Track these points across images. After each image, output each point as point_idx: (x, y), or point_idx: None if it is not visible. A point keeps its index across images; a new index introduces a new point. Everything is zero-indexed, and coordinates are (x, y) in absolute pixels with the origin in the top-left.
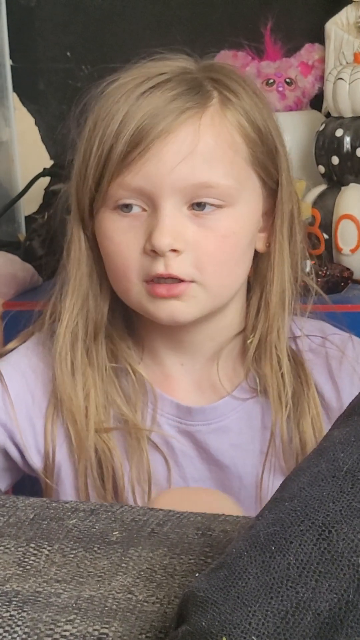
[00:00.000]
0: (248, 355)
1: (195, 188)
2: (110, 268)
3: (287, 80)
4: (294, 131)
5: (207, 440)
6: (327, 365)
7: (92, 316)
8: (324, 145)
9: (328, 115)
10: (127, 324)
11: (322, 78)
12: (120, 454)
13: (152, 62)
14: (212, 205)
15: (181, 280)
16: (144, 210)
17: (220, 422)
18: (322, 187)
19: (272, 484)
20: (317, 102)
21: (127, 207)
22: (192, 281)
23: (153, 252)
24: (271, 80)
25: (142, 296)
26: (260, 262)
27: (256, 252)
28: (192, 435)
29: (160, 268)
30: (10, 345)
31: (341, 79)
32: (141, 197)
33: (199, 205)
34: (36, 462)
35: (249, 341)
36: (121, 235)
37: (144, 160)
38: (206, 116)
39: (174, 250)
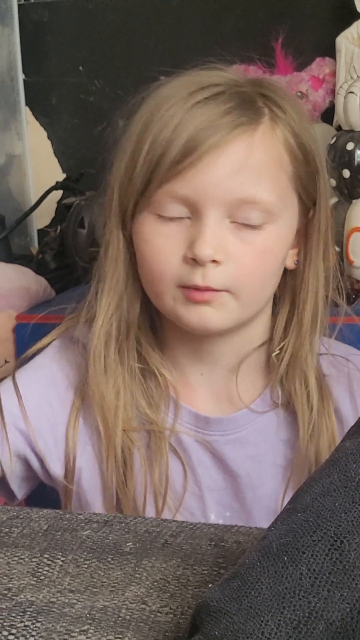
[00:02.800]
0: (274, 370)
1: (241, 202)
2: (146, 271)
3: (298, 94)
4: None
5: (223, 451)
6: (348, 383)
7: (125, 316)
8: (335, 159)
9: (339, 128)
10: (153, 328)
11: (333, 92)
12: (144, 454)
13: (205, 71)
14: (254, 220)
15: (215, 290)
16: (187, 217)
17: (237, 434)
18: (334, 200)
19: (288, 498)
20: (328, 115)
21: (170, 214)
22: (225, 290)
23: (193, 261)
24: None
25: (176, 300)
26: (289, 278)
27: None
28: (209, 444)
29: (197, 279)
30: (44, 341)
31: (352, 92)
32: (186, 205)
33: (241, 219)
34: (57, 469)
35: (274, 354)
36: (161, 240)
37: (195, 171)
38: (258, 132)
39: (214, 261)
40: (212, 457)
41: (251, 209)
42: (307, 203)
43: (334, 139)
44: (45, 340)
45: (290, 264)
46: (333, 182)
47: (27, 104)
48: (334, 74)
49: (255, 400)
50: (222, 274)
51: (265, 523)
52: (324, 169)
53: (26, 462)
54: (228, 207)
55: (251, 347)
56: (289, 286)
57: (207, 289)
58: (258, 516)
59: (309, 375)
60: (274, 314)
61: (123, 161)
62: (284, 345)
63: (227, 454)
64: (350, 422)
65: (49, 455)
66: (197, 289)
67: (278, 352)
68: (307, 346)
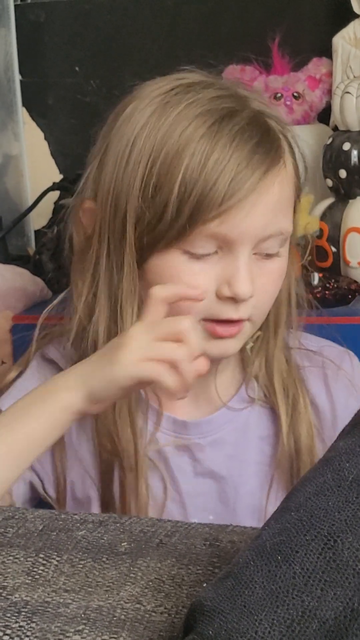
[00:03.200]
0: (249, 364)
1: (270, 236)
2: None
3: (295, 94)
4: (302, 145)
5: (203, 453)
6: (323, 375)
7: (114, 331)
8: (331, 159)
9: (335, 128)
10: None
11: (329, 92)
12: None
13: (205, 90)
14: (273, 249)
15: (243, 320)
16: (215, 252)
17: (216, 435)
18: (330, 201)
19: (273, 494)
20: (324, 115)
21: (201, 251)
22: (248, 319)
23: (231, 299)
24: (279, 95)
25: (200, 336)
26: None
27: None
28: (188, 449)
29: (232, 313)
30: (12, 374)
31: (348, 92)
32: (218, 241)
33: (263, 250)
34: (50, 491)
35: (248, 347)
36: (190, 277)
37: (236, 212)
38: (282, 168)
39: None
40: (192, 462)
41: (275, 240)
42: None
43: (331, 140)
44: (23, 362)
45: None
46: (329, 183)
47: (24, 104)
48: (330, 74)
49: (233, 397)
50: (249, 306)
51: (250, 522)
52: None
53: (31, 484)
54: (258, 242)
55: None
56: None
57: (240, 321)
58: (242, 515)
59: (283, 370)
60: None
61: (132, 187)
62: (258, 337)
63: (207, 456)
64: (327, 413)
65: (45, 476)
66: (227, 322)
67: (252, 344)
68: (280, 340)
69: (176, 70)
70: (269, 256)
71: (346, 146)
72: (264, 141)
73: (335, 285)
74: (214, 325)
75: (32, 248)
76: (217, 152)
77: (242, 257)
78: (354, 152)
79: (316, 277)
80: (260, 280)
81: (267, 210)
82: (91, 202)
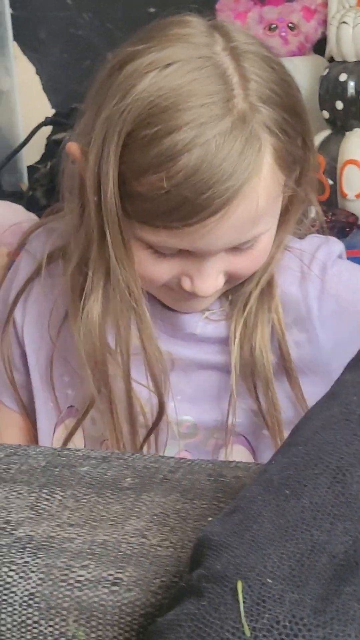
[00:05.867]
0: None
1: (242, 243)
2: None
3: (290, 25)
4: (297, 76)
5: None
6: (300, 267)
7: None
8: (327, 91)
9: (331, 60)
10: None
11: (325, 22)
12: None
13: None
14: (249, 243)
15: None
16: (180, 251)
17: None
18: (326, 133)
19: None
20: (320, 46)
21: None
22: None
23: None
24: (274, 25)
25: (165, 295)
26: None
27: None
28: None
29: (196, 301)
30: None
31: (345, 22)
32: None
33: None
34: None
35: None
36: (151, 267)
37: (199, 232)
38: (262, 179)
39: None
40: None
41: (247, 240)
42: (298, 169)
43: (327, 71)
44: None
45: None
46: (326, 115)
47: (15, 38)
48: (325, 4)
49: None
50: (218, 290)
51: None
52: (310, 136)
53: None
54: (226, 249)
55: None
56: None
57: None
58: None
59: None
60: None
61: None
62: None
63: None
64: (300, 305)
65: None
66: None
67: None
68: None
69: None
70: (245, 247)
71: (342, 77)
72: (248, 144)
73: (333, 218)
74: (180, 294)
75: (25, 184)
76: (223, 149)
77: (207, 261)
78: (351, 83)
79: (313, 211)
80: (233, 265)
81: (233, 228)
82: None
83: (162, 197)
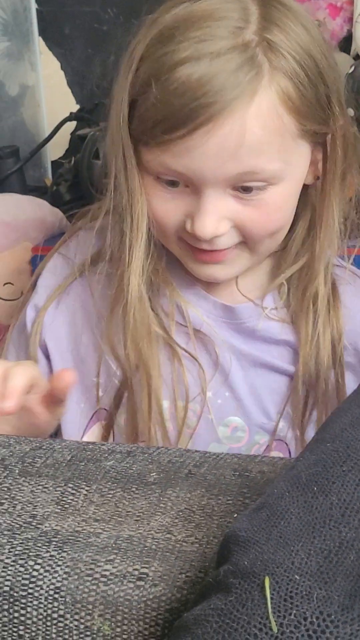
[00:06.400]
0: (277, 276)
1: (240, 175)
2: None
3: (316, 22)
4: None
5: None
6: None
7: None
8: (353, 88)
9: (357, 57)
10: None
11: (350, 20)
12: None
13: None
14: (257, 187)
15: (226, 249)
16: (187, 186)
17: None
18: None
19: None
20: (345, 44)
21: (172, 184)
22: (237, 244)
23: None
24: None
25: (183, 254)
26: (311, 192)
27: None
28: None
29: (205, 245)
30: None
31: None
32: (183, 178)
33: (243, 189)
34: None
35: (285, 263)
36: (161, 204)
37: (188, 148)
38: (254, 104)
39: (217, 236)
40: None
41: (251, 178)
42: (323, 136)
43: (353, 68)
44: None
45: (310, 180)
46: (351, 112)
47: (40, 34)
48: (351, 1)
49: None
50: (231, 237)
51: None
52: (338, 90)
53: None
54: (227, 182)
55: (262, 260)
56: (308, 198)
57: (216, 251)
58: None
59: (319, 291)
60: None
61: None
62: (297, 259)
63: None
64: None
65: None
66: (204, 250)
67: (292, 265)
68: (322, 261)
69: None
70: (253, 195)
71: None
72: (243, 66)
73: None
74: (194, 250)
75: (49, 179)
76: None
77: (206, 197)
78: None
79: None
80: (241, 216)
81: (227, 155)
82: None
83: (155, 108)
